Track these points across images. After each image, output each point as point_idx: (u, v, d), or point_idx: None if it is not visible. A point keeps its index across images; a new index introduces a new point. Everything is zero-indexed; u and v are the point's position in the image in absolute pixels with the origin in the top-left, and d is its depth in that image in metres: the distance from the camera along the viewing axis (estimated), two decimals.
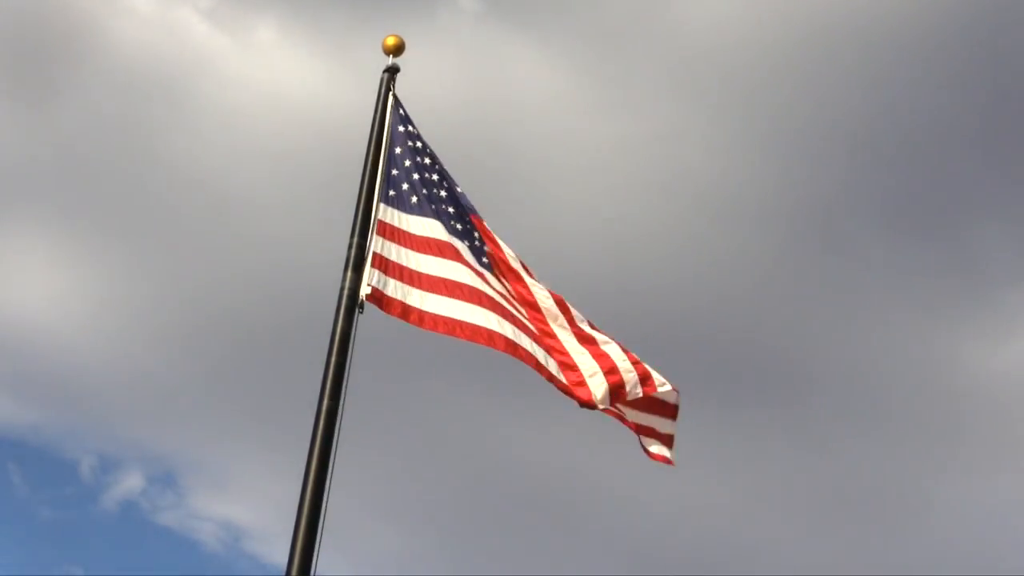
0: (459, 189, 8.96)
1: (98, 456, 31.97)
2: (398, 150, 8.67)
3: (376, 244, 8.09)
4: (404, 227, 8.35)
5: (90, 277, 30.19)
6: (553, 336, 8.64)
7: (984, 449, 29.38)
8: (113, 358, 30.58)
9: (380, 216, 8.26)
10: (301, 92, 29.13)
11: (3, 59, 29.20)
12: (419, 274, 8.15)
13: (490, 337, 7.98)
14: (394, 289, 7.98)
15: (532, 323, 8.56)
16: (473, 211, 8.93)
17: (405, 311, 7.93)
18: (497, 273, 8.71)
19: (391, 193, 8.44)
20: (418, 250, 8.27)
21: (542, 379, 8.20)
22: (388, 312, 7.91)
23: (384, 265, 8.03)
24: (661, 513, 29.29)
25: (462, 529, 30.33)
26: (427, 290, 8.08)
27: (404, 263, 8.14)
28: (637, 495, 28.83)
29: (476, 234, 8.80)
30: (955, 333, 31.43)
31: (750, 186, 30.23)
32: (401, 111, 8.85)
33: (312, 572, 6.69)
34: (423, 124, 9.01)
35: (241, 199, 29.08)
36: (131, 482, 32.06)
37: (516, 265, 8.90)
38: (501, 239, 8.98)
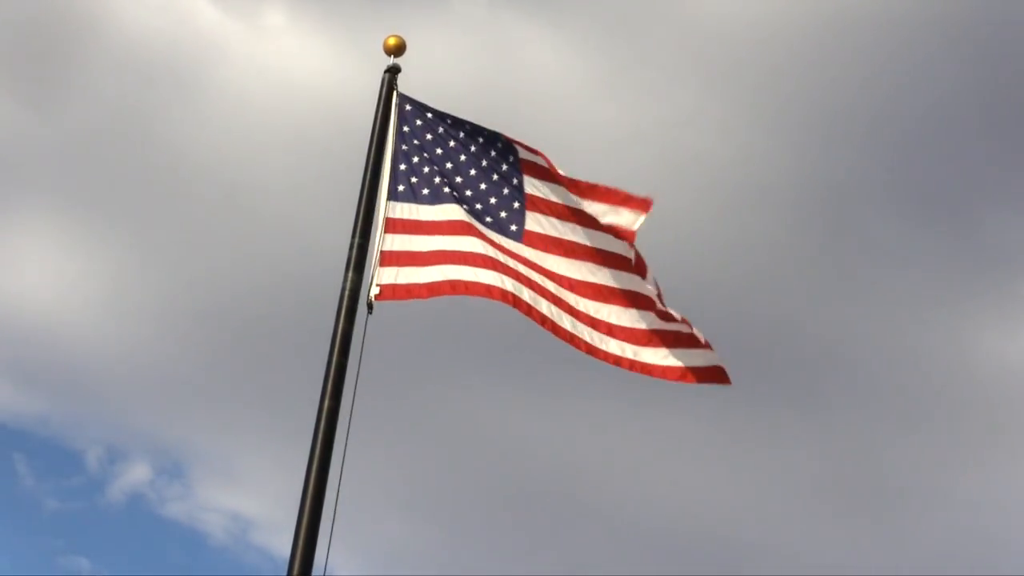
0: (503, 145, 8.87)
1: (105, 447, 31.97)
2: (405, 147, 8.68)
3: (385, 242, 8.15)
4: (416, 217, 8.41)
5: (97, 266, 30.18)
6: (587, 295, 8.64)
7: (1001, 440, 29.21)
8: (121, 348, 30.57)
9: (388, 214, 8.29)
10: (311, 78, 29.03)
11: (10, 46, 29.16)
12: (430, 253, 8.23)
13: (488, 290, 8.11)
14: (407, 275, 8.07)
15: (563, 288, 8.57)
16: (520, 164, 8.86)
17: (416, 291, 8.04)
18: (534, 240, 8.67)
19: (400, 188, 8.47)
20: (431, 234, 8.33)
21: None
22: (403, 298, 8.00)
23: (396, 259, 8.11)
24: (672, 507, 29.27)
25: (468, 522, 30.35)
26: (435, 264, 8.17)
27: (416, 248, 8.22)
28: (647, 489, 28.82)
29: (516, 203, 8.77)
30: (969, 322, 31.27)
31: (763, 171, 30.12)
32: (408, 107, 8.83)
33: (311, 571, 6.71)
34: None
35: (251, 187, 29.03)
36: (138, 473, 32.04)
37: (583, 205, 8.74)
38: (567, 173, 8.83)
